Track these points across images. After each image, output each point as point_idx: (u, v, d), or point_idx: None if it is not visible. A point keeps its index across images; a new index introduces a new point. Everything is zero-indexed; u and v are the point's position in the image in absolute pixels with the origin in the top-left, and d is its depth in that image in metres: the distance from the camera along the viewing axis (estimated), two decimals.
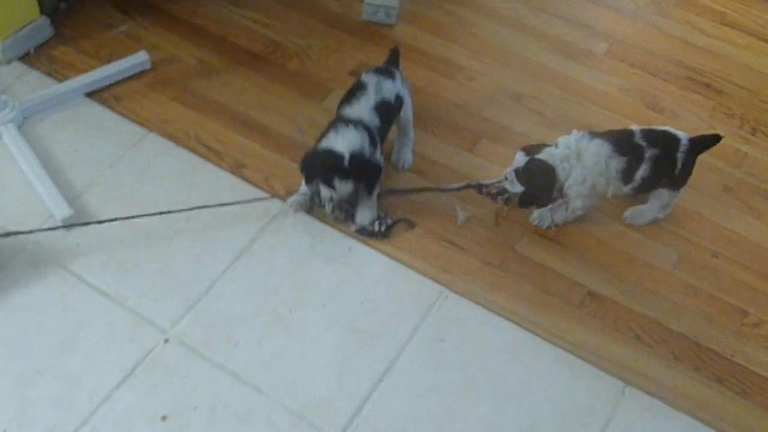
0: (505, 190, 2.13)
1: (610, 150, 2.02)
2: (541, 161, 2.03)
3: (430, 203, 2.18)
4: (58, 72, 2.42)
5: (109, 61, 2.44)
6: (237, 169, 2.22)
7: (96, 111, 2.34)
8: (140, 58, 2.44)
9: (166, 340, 1.87)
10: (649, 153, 2.03)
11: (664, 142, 2.06)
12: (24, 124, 2.26)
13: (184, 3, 2.68)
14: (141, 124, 2.32)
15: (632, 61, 2.62)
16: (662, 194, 2.14)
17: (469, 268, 2.06)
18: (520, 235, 2.14)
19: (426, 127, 2.36)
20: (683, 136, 2.06)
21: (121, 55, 2.46)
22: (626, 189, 2.08)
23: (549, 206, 2.11)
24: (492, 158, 2.31)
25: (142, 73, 2.45)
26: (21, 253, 1.98)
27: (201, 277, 1.98)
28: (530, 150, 2.06)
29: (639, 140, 2.05)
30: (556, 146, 2.05)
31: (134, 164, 2.23)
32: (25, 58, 2.44)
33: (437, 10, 2.73)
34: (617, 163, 2.02)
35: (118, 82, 2.42)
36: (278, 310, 1.94)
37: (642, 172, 2.04)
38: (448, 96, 2.45)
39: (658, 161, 2.03)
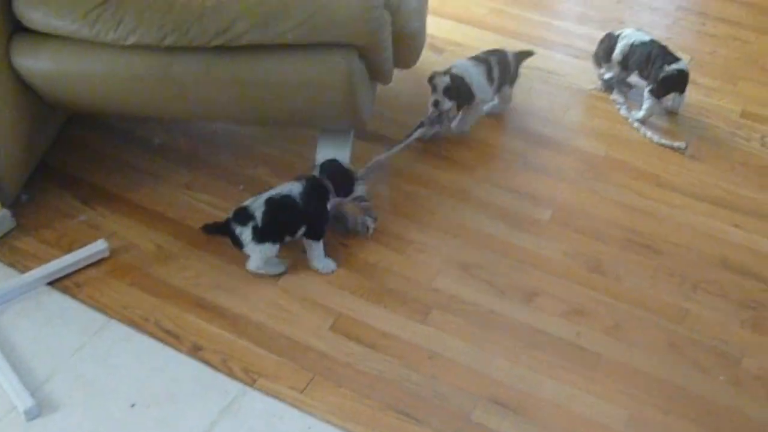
0: (440, 114, 3.00)
1: (483, 69, 3.04)
2: (459, 77, 2.97)
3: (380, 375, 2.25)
4: (20, 263, 2.53)
5: (70, 249, 2.55)
6: (195, 352, 2.30)
7: (58, 299, 2.44)
8: (99, 247, 2.55)
9: None
10: (495, 65, 3.06)
11: (502, 57, 3.12)
12: None
13: (143, 190, 2.82)
14: (102, 311, 2.41)
15: (575, 227, 2.76)
16: (505, 91, 3.17)
17: None
18: None
19: (378, 301, 2.47)
20: (510, 51, 3.19)
21: (83, 244, 2.57)
22: (493, 89, 3.10)
23: None
24: (444, 327, 2.40)
25: (102, 260, 2.56)
26: None
27: None
28: (439, 74, 2.99)
29: (490, 58, 3.09)
30: (452, 69, 3.02)
31: (96, 352, 2.31)
32: None
33: (386, 188, 2.88)
34: (486, 69, 3.05)
35: (79, 270, 2.51)
36: None
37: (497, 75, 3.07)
38: (399, 269, 2.57)
39: (503, 68, 3.10)
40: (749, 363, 2.36)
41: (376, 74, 2.66)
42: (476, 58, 3.08)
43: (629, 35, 3.32)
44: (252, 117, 2.79)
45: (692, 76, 3.39)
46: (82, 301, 2.43)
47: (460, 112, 3.09)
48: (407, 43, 2.72)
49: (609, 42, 3.36)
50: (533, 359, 2.33)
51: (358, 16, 2.35)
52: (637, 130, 3.24)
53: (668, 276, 2.60)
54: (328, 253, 2.60)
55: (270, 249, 2.47)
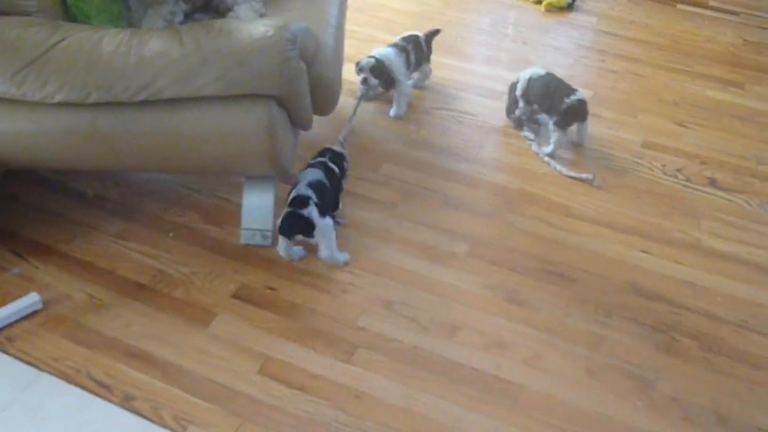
0: (368, 88, 3.38)
1: (404, 57, 3.41)
2: (381, 61, 3.32)
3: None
4: None
5: (3, 303, 2.41)
6: (127, 402, 2.18)
7: None
8: (31, 299, 2.42)
9: None
10: (412, 51, 3.43)
11: (416, 41, 3.47)
12: None
13: (76, 241, 2.69)
14: (33, 364, 2.27)
15: (491, 259, 2.71)
16: (424, 67, 3.57)
17: None
18: None
19: (305, 342, 2.38)
20: (421, 34, 3.54)
21: (16, 296, 2.43)
22: (410, 71, 3.45)
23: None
24: (370, 366, 2.32)
25: (35, 312, 2.42)
26: None
27: None
28: (363, 59, 3.34)
29: (407, 46, 3.44)
30: (376, 53, 3.37)
31: (27, 406, 2.17)
32: None
33: None
34: (405, 56, 3.42)
35: (11, 324, 2.37)
36: None
37: (413, 59, 3.45)
38: (325, 310, 2.48)
39: (417, 50, 3.47)
40: (664, 386, 2.32)
41: (297, 122, 2.57)
42: (396, 46, 3.43)
43: (527, 72, 3.32)
44: (179, 167, 2.68)
45: (595, 109, 3.39)
46: (14, 356, 2.29)
47: (394, 102, 3.43)
48: (324, 91, 2.65)
49: (513, 90, 3.35)
50: (458, 394, 2.26)
51: (275, 69, 2.28)
52: (548, 164, 3.20)
53: (582, 303, 2.56)
54: (254, 299, 2.52)
55: (330, 224, 2.56)
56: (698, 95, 3.72)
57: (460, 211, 2.91)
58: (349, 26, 3.27)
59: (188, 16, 2.66)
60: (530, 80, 3.26)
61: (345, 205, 2.84)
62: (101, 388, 2.21)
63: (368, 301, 2.52)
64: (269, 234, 2.67)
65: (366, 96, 3.44)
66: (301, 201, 2.52)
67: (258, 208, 2.69)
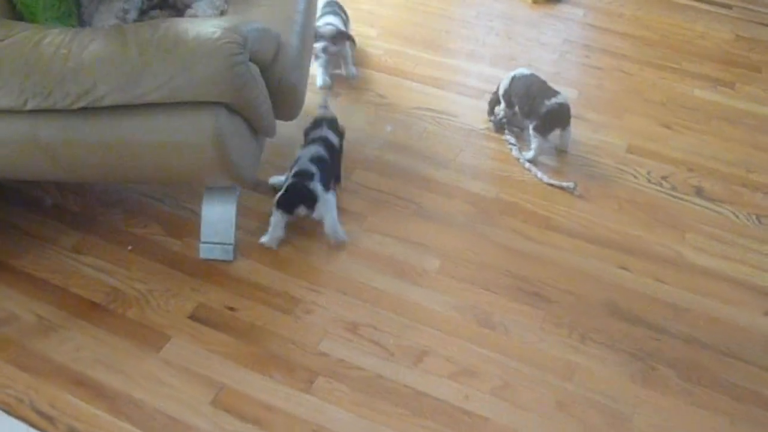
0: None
1: (341, 17, 3.47)
2: (335, 26, 3.34)
3: None
4: None
5: None
6: None
7: None
8: None
9: None
10: (340, 11, 3.48)
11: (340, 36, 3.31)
12: None
13: (28, 256, 2.54)
14: None
15: (463, 276, 2.55)
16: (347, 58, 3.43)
17: None
18: None
19: (263, 369, 2.23)
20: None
21: None
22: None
23: None
24: (329, 397, 2.16)
25: None
26: None
27: None
28: (321, 27, 3.31)
29: (336, 8, 3.51)
30: (324, 25, 3.34)
31: None
32: None
33: (276, 242, 2.62)
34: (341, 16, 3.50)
35: None
36: None
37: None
38: (286, 333, 2.33)
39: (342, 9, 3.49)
40: (640, 420, 2.17)
41: (257, 129, 2.39)
42: (332, 12, 3.48)
43: (514, 71, 3.13)
44: (128, 177, 2.54)
45: (580, 111, 3.22)
46: None
47: (346, 63, 3.48)
48: (287, 96, 2.47)
49: (496, 90, 3.16)
50: (420, 428, 2.11)
51: (221, 75, 2.10)
52: (528, 170, 3.02)
53: (556, 327, 2.40)
54: (212, 319, 2.39)
55: (334, 199, 2.56)
56: (686, 95, 3.53)
57: (433, 223, 2.74)
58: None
59: (144, 13, 2.48)
60: (513, 79, 3.08)
61: (311, 220, 2.65)
62: (43, 420, 2.08)
63: (332, 322, 2.36)
64: (230, 248, 2.51)
65: (326, 63, 3.41)
66: (304, 174, 2.49)
67: (219, 220, 2.53)
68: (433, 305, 2.46)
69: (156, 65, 2.08)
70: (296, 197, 2.48)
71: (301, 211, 2.51)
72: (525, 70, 3.14)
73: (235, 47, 2.10)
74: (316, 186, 2.48)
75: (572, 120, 3.09)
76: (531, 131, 3.02)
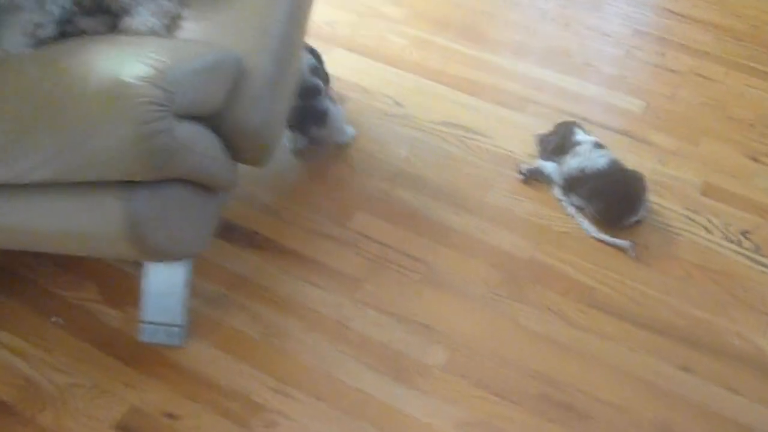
0: None
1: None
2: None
3: None
4: None
5: None
6: None
7: None
8: None
9: None
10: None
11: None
12: None
13: None
14: None
15: (476, 377, 1.97)
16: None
17: None
18: None
19: None
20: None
21: None
22: None
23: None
24: None
25: None
26: None
27: None
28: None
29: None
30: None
31: None
32: None
33: (240, 315, 2.07)
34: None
35: None
36: None
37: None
38: None
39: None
40: None
41: (208, 188, 1.79)
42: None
43: (583, 153, 2.43)
44: (44, 250, 1.93)
45: (646, 132, 2.60)
46: None
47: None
48: (249, 142, 1.85)
49: (560, 139, 2.47)
50: None
51: (128, 151, 1.48)
52: (572, 218, 2.37)
53: None
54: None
55: (340, 108, 2.52)
56: None
57: (445, 294, 2.15)
58: None
59: (69, 22, 1.85)
60: (583, 171, 2.38)
61: (289, 279, 2.14)
62: None
63: None
64: (178, 331, 1.97)
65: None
66: (310, 91, 2.39)
67: (164, 293, 1.98)
68: (433, 419, 1.90)
69: (37, 138, 1.48)
70: (310, 119, 2.41)
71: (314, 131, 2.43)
72: (599, 155, 2.42)
73: (152, 111, 1.47)
74: (325, 101, 2.42)
75: (634, 144, 2.54)
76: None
